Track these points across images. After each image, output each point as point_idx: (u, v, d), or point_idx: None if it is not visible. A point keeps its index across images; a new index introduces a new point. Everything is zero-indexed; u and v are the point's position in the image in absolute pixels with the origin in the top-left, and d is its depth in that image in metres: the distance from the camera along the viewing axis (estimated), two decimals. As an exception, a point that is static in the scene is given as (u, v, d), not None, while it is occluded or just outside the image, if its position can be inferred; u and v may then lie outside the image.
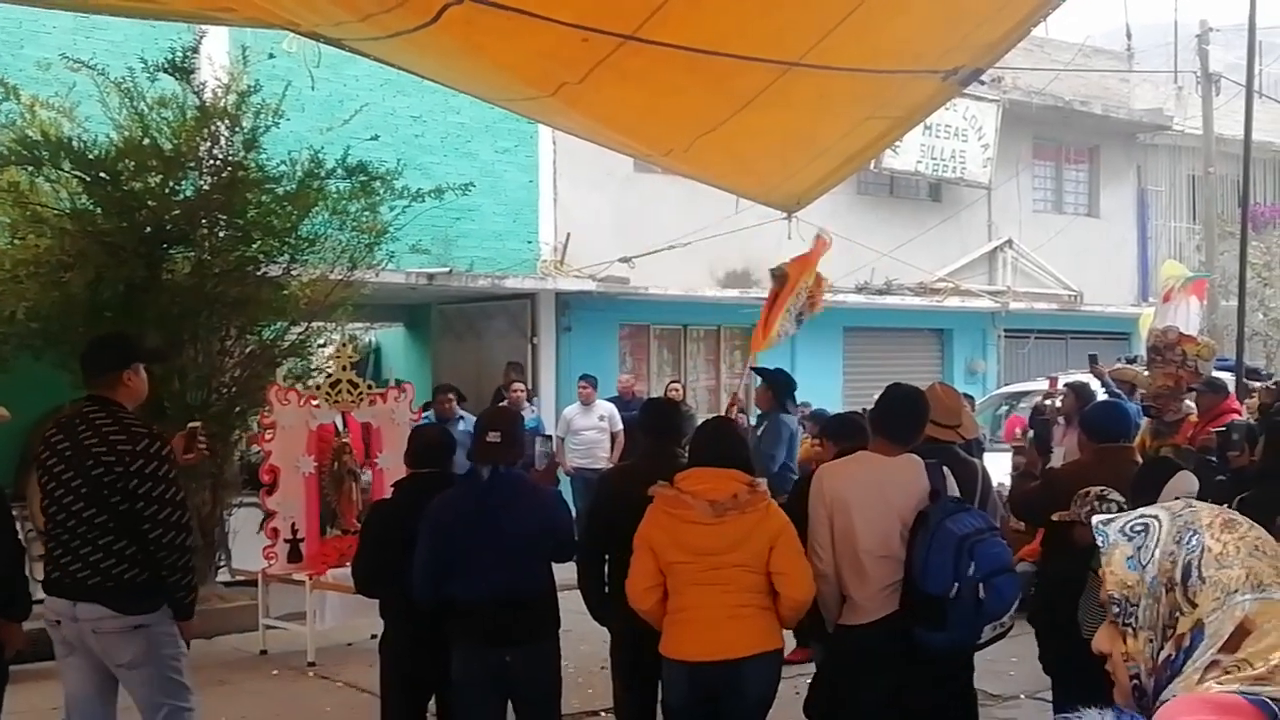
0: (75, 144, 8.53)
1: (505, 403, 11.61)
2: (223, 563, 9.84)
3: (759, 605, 4.42)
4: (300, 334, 10.02)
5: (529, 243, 14.46)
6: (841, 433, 5.57)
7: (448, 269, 13.11)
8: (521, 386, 12.49)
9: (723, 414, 9.78)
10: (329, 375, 8.92)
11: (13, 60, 9.91)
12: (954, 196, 18.36)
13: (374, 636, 8.15)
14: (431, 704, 5.05)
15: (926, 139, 16.94)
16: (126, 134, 8.82)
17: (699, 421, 6.36)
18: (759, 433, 9.51)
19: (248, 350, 9.73)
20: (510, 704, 4.69)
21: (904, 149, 16.18)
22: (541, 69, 6.21)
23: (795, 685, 5.45)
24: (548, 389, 14.52)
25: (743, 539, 4.38)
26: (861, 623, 4.56)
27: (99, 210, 8.72)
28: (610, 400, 13.09)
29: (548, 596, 4.70)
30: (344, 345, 9.27)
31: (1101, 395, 9.68)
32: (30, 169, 8.57)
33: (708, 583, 4.37)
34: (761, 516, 4.44)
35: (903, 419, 4.78)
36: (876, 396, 5.06)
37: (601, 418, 12.81)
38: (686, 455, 4.84)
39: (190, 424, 5.02)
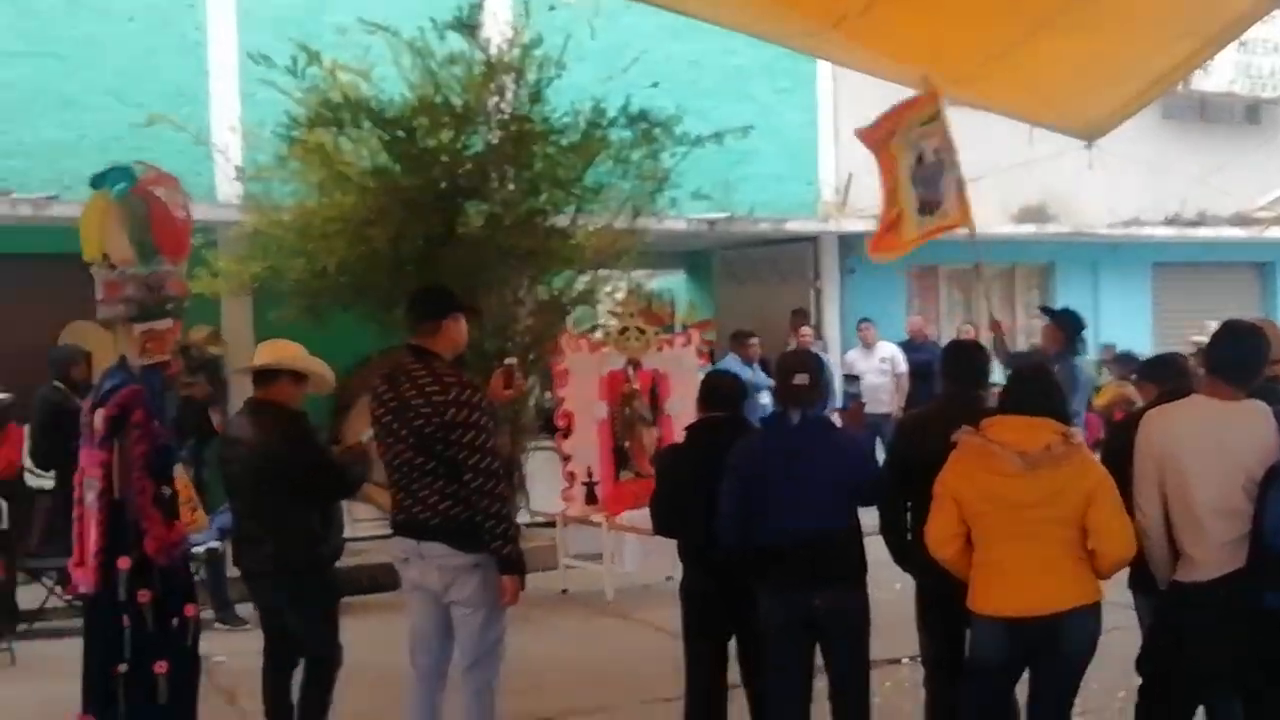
0: (373, 104, 8.90)
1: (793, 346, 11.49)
2: (522, 505, 10.17)
3: (1075, 557, 4.18)
4: (588, 282, 10.18)
5: (810, 184, 14.18)
6: (1164, 374, 5.13)
7: (728, 214, 13.02)
8: (809, 331, 12.34)
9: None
10: (617, 321, 9.06)
11: (315, 26, 10.38)
12: (1274, 118, 16.87)
13: (669, 579, 8.27)
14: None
15: (1242, 56, 15.64)
16: (420, 92, 9.12)
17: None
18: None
19: (539, 299, 9.96)
20: (819, 647, 4.60)
21: (1216, 68, 14.93)
22: (821, 2, 6.00)
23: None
24: (831, 332, 14.29)
25: (1056, 493, 4.13)
26: (1200, 580, 4.21)
27: (398, 167, 9.07)
28: (900, 344, 12.77)
29: (855, 538, 4.59)
30: (632, 292, 9.37)
31: None
32: (334, 129, 9.00)
33: (1019, 536, 4.15)
34: (1077, 470, 4.17)
35: (1244, 359, 4.33)
36: (1209, 335, 4.63)
37: (883, 360, 12.55)
38: (993, 400, 4.62)
39: (506, 361, 5.18)
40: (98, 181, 4.49)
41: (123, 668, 4.29)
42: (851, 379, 12.51)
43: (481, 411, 4.52)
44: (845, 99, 13.94)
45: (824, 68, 13.40)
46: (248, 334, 10.42)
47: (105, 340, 10.08)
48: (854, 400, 11.95)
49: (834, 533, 4.49)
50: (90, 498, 4.26)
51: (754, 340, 11.70)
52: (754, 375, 10.75)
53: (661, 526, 5.09)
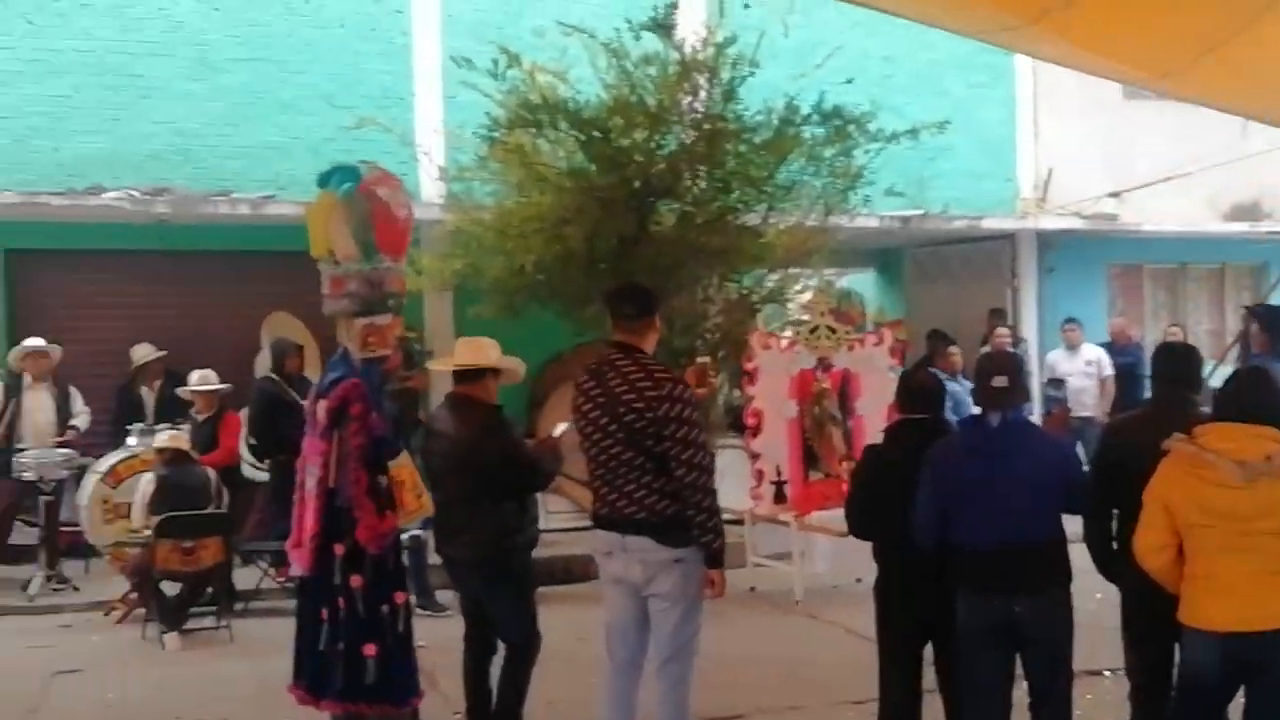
0: (570, 105, 9.07)
1: (988, 348, 11.21)
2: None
3: None
4: (777, 281, 10.17)
5: (1007, 181, 13.84)
6: None
7: (922, 211, 12.81)
8: (1005, 331, 12.04)
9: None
10: (807, 320, 9.04)
11: (513, 29, 10.65)
12: None
13: (859, 580, 8.21)
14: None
15: None
16: (615, 93, 9.25)
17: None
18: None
19: (728, 298, 10.00)
20: (1020, 655, 4.51)
21: None
22: (1024, -5, 5.84)
23: None
24: (1029, 334, 13.91)
25: (1278, 505, 3.95)
26: None
27: (593, 167, 9.22)
28: (1102, 345, 12.36)
29: (1058, 545, 4.47)
30: (822, 290, 9.33)
31: None
32: (532, 131, 9.22)
33: (1235, 549, 3.99)
34: None
35: None
36: None
37: (1089, 363, 12.15)
38: (1206, 405, 4.46)
39: (699, 359, 5.23)
40: (325, 180, 4.68)
41: (340, 646, 4.51)
42: (1056, 382, 12.16)
43: (693, 407, 4.59)
44: (1045, 93, 13.57)
45: (1022, 62, 13.07)
46: (448, 329, 10.79)
47: (300, 329, 10.71)
48: (1057, 404, 11.57)
49: (1036, 538, 4.39)
50: (310, 484, 4.48)
51: (954, 350, 11.29)
52: (959, 386, 10.33)
53: (857, 528, 5.05)
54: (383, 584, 4.57)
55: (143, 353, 10.50)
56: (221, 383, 9.67)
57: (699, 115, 9.33)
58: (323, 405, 4.46)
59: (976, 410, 4.71)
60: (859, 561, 5.99)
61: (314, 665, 4.63)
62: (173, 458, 8.38)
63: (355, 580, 4.47)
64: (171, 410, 10.10)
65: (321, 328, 11.23)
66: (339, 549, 4.45)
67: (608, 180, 9.13)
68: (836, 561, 8.29)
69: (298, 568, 4.74)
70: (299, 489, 4.64)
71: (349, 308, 4.56)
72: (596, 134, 9.04)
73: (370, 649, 4.51)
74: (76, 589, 9.35)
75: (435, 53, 11.26)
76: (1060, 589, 4.47)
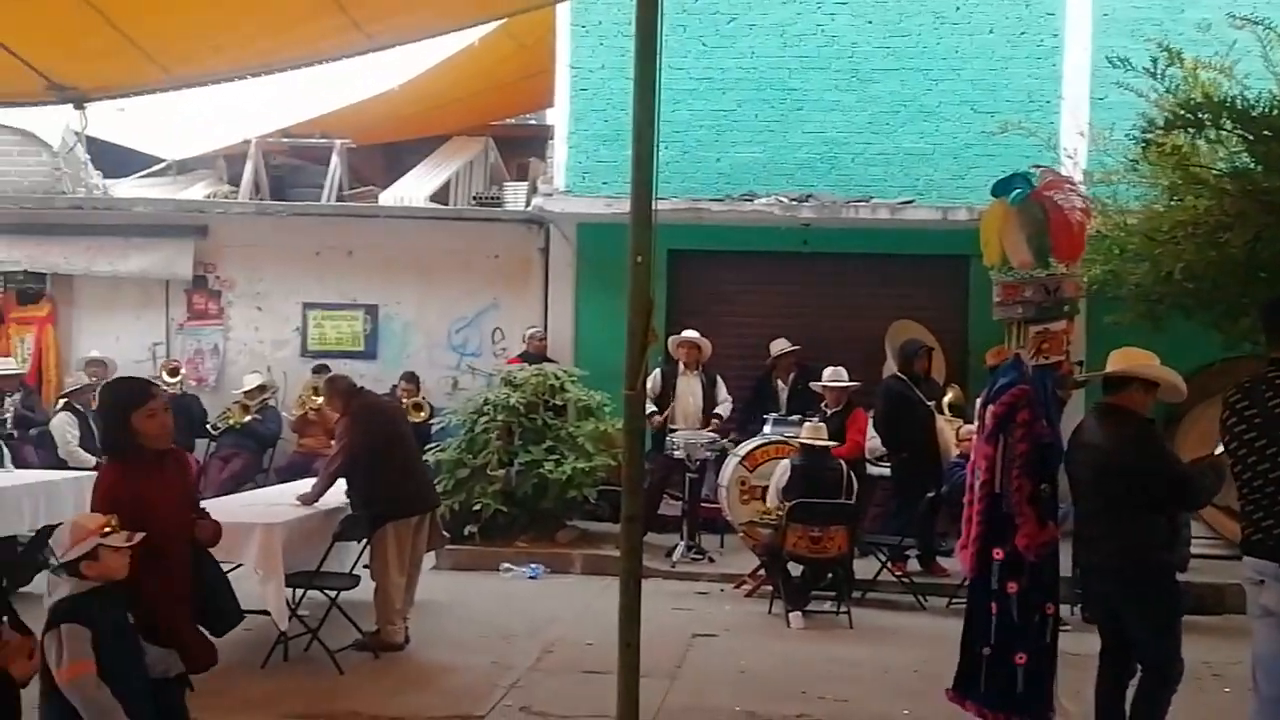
0: (1237, 102, 8.38)
1: None
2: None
3: None
4: None
5: None
6: None
7: None
8: None
9: None
10: None
11: (1173, 25, 10.08)
12: None
13: None
14: None
15: None
16: (1287, 88, 8.45)
17: None
18: None
19: None
20: None
21: None
22: None
23: None
24: None
25: None
26: None
27: (1260, 168, 8.48)
28: None
29: None
30: None
31: None
32: (1190, 131, 8.64)
33: None
34: None
35: None
36: None
37: None
38: None
39: None
40: (999, 189, 4.74)
41: (986, 651, 4.55)
42: None
43: None
44: None
45: None
46: (1080, 337, 10.44)
47: (925, 335, 10.82)
48: None
49: None
50: (976, 486, 4.56)
51: None
52: None
53: None
54: (1037, 592, 4.55)
55: (780, 346, 11.14)
56: (850, 380, 10.04)
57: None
58: (990, 410, 4.51)
59: None
60: None
61: (970, 668, 4.70)
62: (810, 449, 8.83)
63: (1011, 586, 4.50)
64: (802, 402, 10.65)
65: (946, 330, 11.39)
66: (998, 553, 4.49)
67: (1275, 183, 8.33)
68: None
69: (964, 570, 4.83)
70: (968, 490, 4.73)
71: (1022, 314, 4.58)
72: (1267, 133, 8.27)
73: (1021, 657, 4.52)
74: (712, 560, 10.15)
75: (1085, 54, 10.94)
76: None
